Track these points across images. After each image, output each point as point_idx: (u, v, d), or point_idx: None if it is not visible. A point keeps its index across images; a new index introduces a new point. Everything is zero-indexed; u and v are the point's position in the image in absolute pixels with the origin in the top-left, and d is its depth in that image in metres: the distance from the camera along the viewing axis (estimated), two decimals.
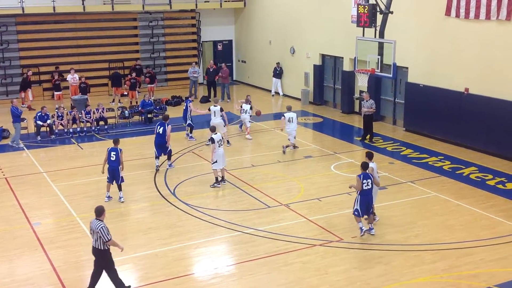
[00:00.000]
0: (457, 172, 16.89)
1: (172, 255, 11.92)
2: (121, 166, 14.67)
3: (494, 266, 11.29)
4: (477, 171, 16.92)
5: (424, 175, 16.62)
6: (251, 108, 20.94)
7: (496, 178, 16.32)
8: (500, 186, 15.71)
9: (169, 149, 17.31)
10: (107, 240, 9.92)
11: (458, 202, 14.58)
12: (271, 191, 15.45)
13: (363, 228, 12.53)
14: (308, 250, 12.05)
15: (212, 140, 15.45)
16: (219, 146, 15.50)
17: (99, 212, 10.14)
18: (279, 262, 11.52)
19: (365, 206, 12.48)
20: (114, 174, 14.65)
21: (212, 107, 19.60)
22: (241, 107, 21.04)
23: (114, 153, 14.56)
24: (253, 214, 13.95)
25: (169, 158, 17.49)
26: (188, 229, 13.11)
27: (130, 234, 12.96)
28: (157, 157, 17.25)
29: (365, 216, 12.72)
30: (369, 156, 13.33)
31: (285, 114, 18.83)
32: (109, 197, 14.83)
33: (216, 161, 15.50)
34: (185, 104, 21.13)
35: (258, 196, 15.14)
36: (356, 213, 12.54)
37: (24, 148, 19.99)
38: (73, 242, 12.57)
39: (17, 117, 20.24)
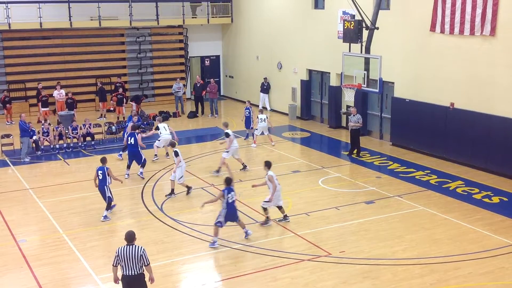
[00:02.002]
0: (443, 186, 16.99)
1: (159, 271, 11.80)
2: (108, 184, 14.48)
3: (482, 280, 11.32)
4: (464, 185, 17.03)
5: (411, 189, 16.69)
6: (267, 117, 21.78)
7: (482, 192, 16.43)
8: (486, 199, 15.81)
9: (143, 158, 17.92)
10: (147, 264, 9.40)
11: (445, 216, 14.64)
12: (259, 206, 15.40)
13: (216, 242, 12.81)
14: (297, 265, 12.01)
15: (176, 153, 15.98)
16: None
17: (132, 237, 9.42)
18: (268, 278, 11.46)
19: (230, 217, 12.95)
20: (101, 193, 14.59)
21: (160, 124, 19.92)
22: (257, 117, 21.57)
23: (101, 172, 14.39)
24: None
25: (142, 166, 18.01)
26: (175, 245, 13.03)
27: (115, 248, 12.81)
28: (128, 167, 17.98)
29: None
30: (268, 165, 14.00)
31: (228, 131, 18.25)
32: (105, 216, 14.60)
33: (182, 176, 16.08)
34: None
35: (246, 211, 15.09)
36: (218, 224, 12.83)
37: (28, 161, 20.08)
38: (60, 259, 12.43)
39: (25, 132, 20.15)
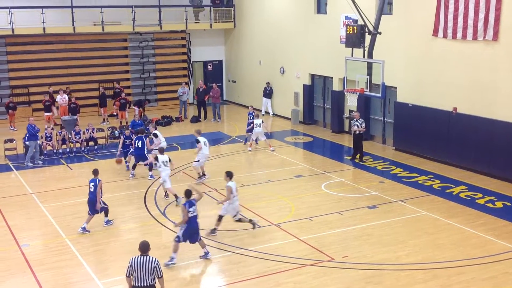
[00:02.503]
0: (446, 191, 16.96)
1: None
2: (97, 199, 13.97)
3: (485, 285, 11.29)
4: (467, 190, 17.00)
5: (414, 194, 16.67)
6: (262, 121, 21.74)
7: (485, 196, 16.40)
8: (489, 204, 15.77)
9: (149, 161, 18.04)
10: (161, 276, 9.21)
11: (448, 220, 14.61)
12: (261, 211, 15.41)
13: (174, 259, 12.23)
14: (300, 270, 11.99)
15: (157, 159, 16.07)
16: (165, 166, 15.95)
17: (146, 247, 9.26)
18: (271, 283, 11.45)
19: (189, 234, 12.17)
20: (90, 205, 14.11)
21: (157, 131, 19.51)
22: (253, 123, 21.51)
23: (93, 184, 14.00)
24: (244, 234, 13.89)
25: (150, 169, 18.25)
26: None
27: (120, 255, 12.83)
28: (134, 167, 18.44)
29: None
30: (229, 175, 13.53)
31: (199, 138, 17.88)
32: (83, 228, 14.11)
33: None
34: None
35: (248, 215, 15.08)
36: (177, 239, 12.19)
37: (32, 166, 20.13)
38: (62, 264, 12.43)
39: (33, 136, 20.19)
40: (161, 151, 16.34)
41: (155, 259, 9.19)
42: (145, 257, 9.15)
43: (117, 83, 28.78)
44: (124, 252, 13.01)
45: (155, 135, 19.13)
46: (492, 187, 17.16)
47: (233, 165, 20.03)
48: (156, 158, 16.12)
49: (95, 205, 13.99)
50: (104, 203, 14.37)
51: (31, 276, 11.90)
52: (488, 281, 11.42)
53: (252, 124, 22.08)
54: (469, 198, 16.29)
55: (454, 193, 16.73)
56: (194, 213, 12.20)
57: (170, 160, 16.10)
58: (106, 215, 14.51)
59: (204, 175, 18.14)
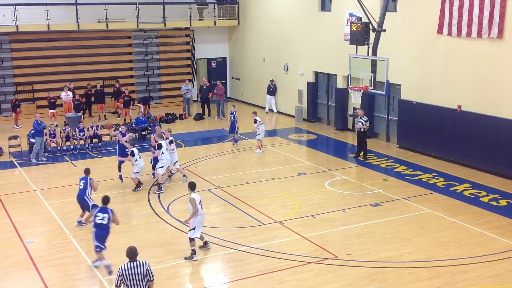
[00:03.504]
0: (450, 189, 16.92)
1: (165, 273, 11.83)
2: (88, 194, 13.80)
3: (489, 283, 11.27)
4: (471, 188, 16.96)
5: (418, 192, 16.64)
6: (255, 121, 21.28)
7: (489, 194, 16.35)
8: (493, 202, 15.73)
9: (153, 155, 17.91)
10: (152, 279, 8.96)
11: (452, 219, 14.59)
12: (265, 208, 15.41)
13: (97, 262, 11.91)
14: (303, 267, 11.99)
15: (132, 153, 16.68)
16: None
17: (134, 253, 9.00)
18: (274, 280, 11.45)
19: (99, 239, 11.78)
20: (80, 203, 14.01)
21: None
22: (256, 121, 21.01)
23: (83, 181, 13.94)
24: (247, 232, 13.90)
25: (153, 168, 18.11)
26: (181, 247, 13.01)
27: (123, 252, 12.80)
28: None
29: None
30: (192, 186, 12.58)
31: (162, 143, 17.12)
32: (79, 222, 14.26)
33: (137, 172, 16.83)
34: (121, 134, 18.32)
35: (252, 213, 15.09)
36: (98, 249, 11.81)
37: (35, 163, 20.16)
38: (66, 260, 12.46)
39: (39, 132, 20.25)
40: (133, 144, 17.10)
41: (146, 262, 8.97)
42: (135, 262, 8.90)
43: (117, 81, 28.62)
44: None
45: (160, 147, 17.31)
46: (496, 185, 17.12)
47: (237, 162, 20.05)
48: (133, 153, 16.66)
49: (86, 203, 13.90)
50: (88, 203, 13.83)
51: (35, 272, 11.93)
52: (492, 279, 11.40)
53: (236, 124, 21.85)
54: (473, 196, 16.25)
55: (458, 191, 16.69)
56: (101, 220, 11.71)
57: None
58: (82, 215, 14.26)
59: (160, 187, 16.91)
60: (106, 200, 11.93)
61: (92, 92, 27.54)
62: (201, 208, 12.46)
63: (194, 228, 12.34)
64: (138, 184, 17.07)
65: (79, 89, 27.85)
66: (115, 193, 16.51)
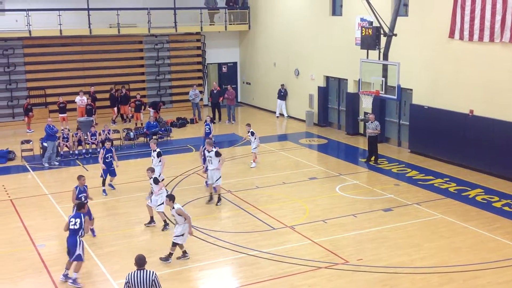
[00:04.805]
0: (463, 194, 16.81)
1: (177, 277, 11.85)
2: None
3: None
4: (483, 193, 16.84)
5: (430, 197, 16.55)
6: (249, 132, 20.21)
7: (502, 200, 16.22)
8: (506, 208, 15.60)
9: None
10: None
11: (464, 224, 14.49)
12: (276, 213, 15.40)
13: (66, 277, 11.54)
14: (314, 272, 11.96)
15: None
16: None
17: (142, 261, 8.89)
18: (285, 285, 11.43)
19: (68, 246, 11.52)
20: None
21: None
22: (250, 134, 20.05)
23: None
24: (258, 236, 13.89)
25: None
26: (192, 251, 13.03)
27: (134, 255, 12.86)
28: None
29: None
30: (171, 198, 12.31)
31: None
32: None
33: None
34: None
35: (262, 217, 15.08)
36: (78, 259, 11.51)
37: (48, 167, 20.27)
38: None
39: (51, 136, 20.39)
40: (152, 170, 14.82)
41: (153, 272, 8.84)
42: (142, 271, 8.79)
43: (123, 86, 28.58)
44: (138, 252, 13.01)
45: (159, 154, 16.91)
46: (509, 190, 16.98)
47: (247, 167, 20.04)
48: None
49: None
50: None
51: (47, 276, 12.00)
52: (504, 285, 11.30)
53: (210, 135, 20.38)
54: (486, 202, 16.13)
55: (470, 196, 16.58)
56: (74, 225, 11.44)
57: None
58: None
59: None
60: (80, 205, 11.82)
61: (118, 96, 27.62)
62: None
63: (182, 235, 12.34)
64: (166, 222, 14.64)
65: (98, 93, 27.81)
66: (123, 198, 16.53)
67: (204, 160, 16.61)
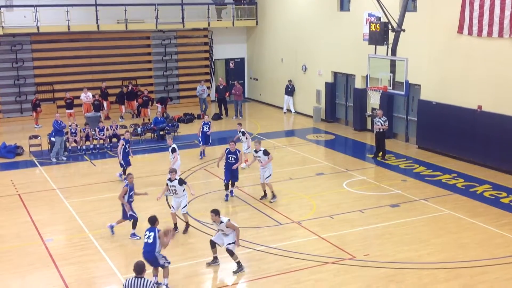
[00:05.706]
0: (470, 189, 16.75)
1: (183, 272, 11.89)
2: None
3: (509, 285, 11.13)
4: (491, 189, 16.77)
5: (438, 193, 16.50)
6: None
7: (510, 196, 16.15)
8: None
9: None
10: None
11: (472, 220, 14.43)
12: (282, 208, 15.40)
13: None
14: (321, 268, 11.96)
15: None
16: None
17: (141, 269, 8.73)
18: (291, 280, 11.44)
19: (149, 263, 10.84)
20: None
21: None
22: (241, 134, 19.52)
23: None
24: (264, 231, 13.91)
25: None
26: (199, 246, 13.08)
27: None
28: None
29: None
30: (217, 213, 11.66)
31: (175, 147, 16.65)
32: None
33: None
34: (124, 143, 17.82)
35: (269, 213, 15.09)
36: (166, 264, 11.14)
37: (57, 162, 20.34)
38: (85, 258, 12.58)
39: (59, 131, 20.47)
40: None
41: (150, 281, 8.71)
42: (140, 279, 8.67)
43: (129, 82, 28.65)
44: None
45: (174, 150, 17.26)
46: None
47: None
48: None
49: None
50: (134, 213, 13.51)
51: (54, 270, 12.06)
52: None
53: (209, 136, 20.34)
54: (493, 197, 16.06)
55: (478, 192, 16.52)
56: (148, 239, 11.00)
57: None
58: (133, 227, 13.61)
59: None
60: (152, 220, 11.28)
61: (125, 92, 27.62)
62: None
63: (234, 242, 11.78)
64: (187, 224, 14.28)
65: (98, 89, 27.90)
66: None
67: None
